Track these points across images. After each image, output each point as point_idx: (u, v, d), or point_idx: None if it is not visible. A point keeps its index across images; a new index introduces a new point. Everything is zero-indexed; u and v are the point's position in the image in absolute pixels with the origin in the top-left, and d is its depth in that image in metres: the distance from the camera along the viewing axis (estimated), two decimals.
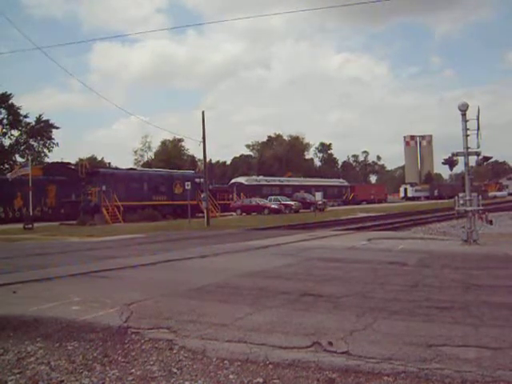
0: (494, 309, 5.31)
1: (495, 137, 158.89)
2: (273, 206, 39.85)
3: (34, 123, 56.04)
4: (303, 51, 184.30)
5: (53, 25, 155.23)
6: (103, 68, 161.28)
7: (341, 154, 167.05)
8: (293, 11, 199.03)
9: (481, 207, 13.29)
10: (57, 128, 57.92)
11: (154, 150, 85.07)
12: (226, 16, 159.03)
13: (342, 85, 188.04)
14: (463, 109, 12.89)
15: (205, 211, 27.80)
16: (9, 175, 28.09)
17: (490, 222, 14.91)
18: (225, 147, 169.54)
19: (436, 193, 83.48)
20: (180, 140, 78.68)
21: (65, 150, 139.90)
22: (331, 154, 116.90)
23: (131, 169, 41.71)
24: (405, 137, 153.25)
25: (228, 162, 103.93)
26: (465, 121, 12.97)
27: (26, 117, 55.07)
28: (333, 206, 52.28)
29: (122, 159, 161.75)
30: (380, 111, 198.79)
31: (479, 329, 4.51)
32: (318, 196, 39.29)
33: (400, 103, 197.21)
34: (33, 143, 56.74)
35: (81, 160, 55.48)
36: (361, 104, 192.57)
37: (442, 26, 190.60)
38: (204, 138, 27.20)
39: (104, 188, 31.90)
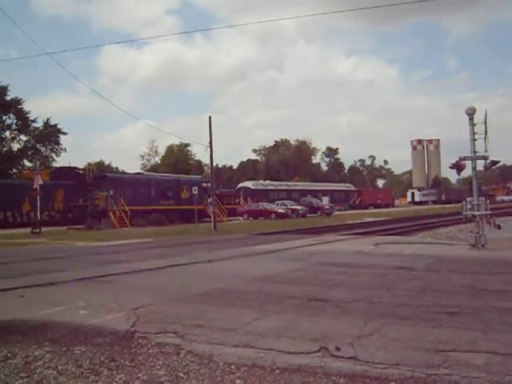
0: (503, 314, 5.25)
1: (504, 140, 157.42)
2: (280, 210, 39.79)
3: (41, 128, 56.42)
4: (314, 53, 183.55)
5: (61, 26, 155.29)
6: (112, 71, 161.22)
7: (348, 158, 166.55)
8: (304, 16, 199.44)
9: (489, 212, 13.19)
10: (64, 134, 58.37)
11: (161, 155, 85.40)
12: (237, 17, 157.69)
13: (353, 87, 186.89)
14: (470, 113, 12.83)
15: (212, 216, 27.86)
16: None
17: (498, 227, 14.76)
18: (232, 152, 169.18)
19: (443, 197, 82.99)
20: (187, 145, 78.88)
21: (72, 154, 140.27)
22: (338, 159, 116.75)
23: (138, 173, 41.83)
24: (412, 141, 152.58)
25: (235, 167, 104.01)
26: (472, 125, 12.89)
27: (34, 121, 55.47)
28: (340, 210, 52.12)
29: (129, 164, 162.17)
30: (390, 115, 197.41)
31: (488, 334, 4.46)
32: (325, 200, 39.32)
33: (411, 106, 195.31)
34: (40, 148, 57.11)
35: (88, 164, 55.74)
36: (370, 107, 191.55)
37: (458, 27, 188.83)
38: (211, 142, 27.28)
39: (111, 192, 32.05)
